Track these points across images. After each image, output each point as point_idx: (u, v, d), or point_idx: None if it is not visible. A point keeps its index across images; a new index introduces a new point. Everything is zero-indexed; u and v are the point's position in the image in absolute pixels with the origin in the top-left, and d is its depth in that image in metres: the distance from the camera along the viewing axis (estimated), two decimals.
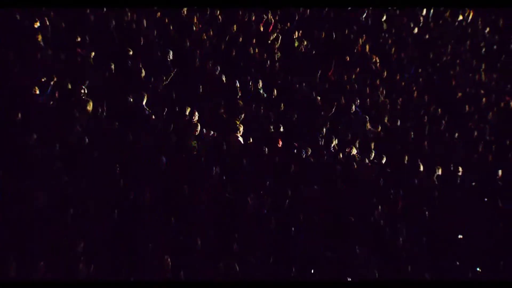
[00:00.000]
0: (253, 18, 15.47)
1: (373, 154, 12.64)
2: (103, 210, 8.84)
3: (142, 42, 12.90)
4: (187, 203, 9.66)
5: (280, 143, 11.88)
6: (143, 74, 11.87)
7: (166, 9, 14.28)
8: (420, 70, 17.22)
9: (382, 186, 11.67)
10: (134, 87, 11.55)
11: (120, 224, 8.85)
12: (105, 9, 13.38)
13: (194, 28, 14.22)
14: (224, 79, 13.01)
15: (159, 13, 14.06)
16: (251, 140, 11.58)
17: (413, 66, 17.27)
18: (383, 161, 12.46)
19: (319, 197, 10.79)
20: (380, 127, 13.88)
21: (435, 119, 15.11)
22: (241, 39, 14.54)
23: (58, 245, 8.08)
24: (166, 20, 14.02)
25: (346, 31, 16.93)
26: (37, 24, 12.01)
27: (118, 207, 8.97)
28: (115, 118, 10.54)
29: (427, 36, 18.72)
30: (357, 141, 12.88)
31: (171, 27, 13.87)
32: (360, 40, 16.82)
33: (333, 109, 13.61)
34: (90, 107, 10.52)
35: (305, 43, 15.70)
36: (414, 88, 16.23)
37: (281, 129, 12.29)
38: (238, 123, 11.80)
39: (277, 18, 16.16)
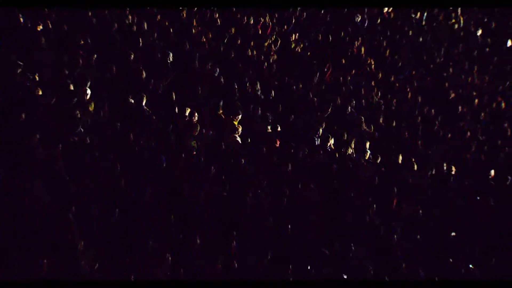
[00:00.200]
0: (251, 20, 15.46)
1: (368, 154, 12.63)
2: (104, 209, 8.82)
3: (142, 44, 12.88)
4: (186, 202, 9.65)
5: (278, 143, 11.87)
6: (144, 75, 11.85)
7: (166, 12, 14.26)
8: (414, 71, 17.21)
9: (377, 185, 11.67)
10: (135, 88, 11.53)
11: (121, 222, 8.84)
12: (107, 12, 13.36)
13: (194, 31, 14.20)
14: (222, 80, 12.99)
15: (159, 16, 14.04)
16: (249, 140, 11.56)
17: (407, 68, 17.26)
18: (378, 161, 12.45)
19: (315, 196, 10.78)
20: (375, 128, 13.86)
21: (429, 119, 15.10)
22: (239, 41, 14.54)
23: (60, 243, 8.05)
24: (166, 23, 14.00)
25: (342, 34, 16.94)
26: (40, 27, 11.99)
27: (119, 206, 8.96)
28: (116, 119, 10.53)
29: (420, 39, 18.71)
30: (353, 141, 12.87)
31: (171, 30, 13.84)
32: (356, 42, 16.82)
33: (329, 110, 13.60)
34: (91, 108, 10.52)
35: (302, 45, 15.69)
36: (408, 89, 16.22)
37: (279, 130, 12.28)
38: (236, 123, 11.80)
39: (274, 20, 16.16)
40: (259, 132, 12.03)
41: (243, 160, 10.89)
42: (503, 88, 18.11)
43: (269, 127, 12.18)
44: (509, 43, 20.40)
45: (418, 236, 10.87)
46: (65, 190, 8.77)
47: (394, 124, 14.36)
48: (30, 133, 9.38)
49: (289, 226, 9.99)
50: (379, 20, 18.49)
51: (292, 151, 11.85)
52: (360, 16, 18.11)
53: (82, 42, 12.11)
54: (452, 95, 16.73)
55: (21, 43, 11.33)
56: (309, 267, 9.68)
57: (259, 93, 13.25)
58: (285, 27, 16.10)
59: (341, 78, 15.30)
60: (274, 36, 15.41)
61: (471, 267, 10.96)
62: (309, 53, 15.69)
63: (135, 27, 13.30)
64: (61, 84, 10.75)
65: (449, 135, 14.61)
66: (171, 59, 12.78)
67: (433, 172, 12.60)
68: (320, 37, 16.30)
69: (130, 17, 13.52)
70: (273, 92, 13.46)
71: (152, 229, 8.92)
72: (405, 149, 13.37)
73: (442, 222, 11.41)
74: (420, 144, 13.80)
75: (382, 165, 12.43)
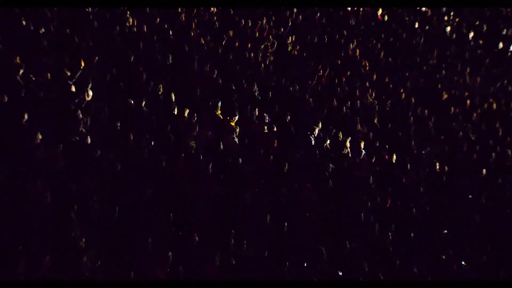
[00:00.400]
0: (249, 24, 15.45)
1: (363, 154, 12.62)
2: (105, 207, 8.80)
3: (142, 47, 12.87)
4: (185, 201, 9.64)
5: (275, 143, 11.86)
6: (144, 77, 11.83)
7: (165, 15, 14.25)
8: (407, 73, 17.21)
9: (372, 184, 11.67)
10: (135, 90, 11.52)
11: (121, 221, 8.82)
12: (108, 15, 13.36)
13: (192, 33, 14.19)
14: (220, 81, 12.98)
15: (158, 19, 14.03)
16: (246, 141, 11.55)
17: (401, 69, 17.27)
18: (373, 160, 12.45)
19: (311, 195, 10.77)
20: (369, 128, 13.85)
21: (422, 120, 15.10)
22: (237, 43, 14.53)
23: (61, 241, 8.03)
24: (166, 25, 13.99)
25: (337, 36, 16.94)
26: (42, 30, 11.97)
27: (119, 204, 8.95)
28: (116, 119, 10.50)
29: (414, 41, 18.73)
30: (348, 141, 12.86)
31: (170, 32, 13.83)
32: (351, 45, 16.83)
33: (325, 111, 13.59)
34: (92, 108, 10.50)
35: (298, 47, 15.67)
36: (402, 91, 16.22)
37: (275, 130, 12.27)
38: (234, 124, 11.78)
39: (271, 23, 16.15)
40: (257, 132, 12.01)
41: (240, 160, 10.87)
42: (494, 89, 18.15)
43: (266, 128, 12.16)
44: (500, 45, 20.45)
45: (412, 234, 10.85)
46: (66, 190, 8.74)
47: (388, 124, 14.36)
48: (32, 133, 9.35)
49: (286, 224, 9.98)
50: (373, 23, 18.52)
51: (289, 151, 11.82)
52: (354, 19, 18.15)
53: (83, 44, 12.11)
54: (445, 96, 16.74)
55: (24, 45, 11.29)
56: (305, 264, 9.67)
57: (256, 94, 13.23)
58: (282, 29, 16.09)
59: (336, 79, 15.30)
60: (271, 39, 15.39)
61: (464, 264, 10.97)
62: (305, 55, 15.68)
63: (135, 30, 13.29)
64: (62, 85, 10.72)
65: (442, 135, 14.61)
66: (170, 61, 12.77)
67: (426, 171, 12.59)
68: (316, 40, 16.30)
69: (130, 20, 13.51)
70: (270, 93, 13.44)
71: (151, 227, 8.90)
72: (399, 149, 13.37)
73: (435, 221, 11.41)
74: (414, 144, 13.79)
75: (376, 165, 12.43)
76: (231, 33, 14.74)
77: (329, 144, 12.57)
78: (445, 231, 11.27)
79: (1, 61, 10.79)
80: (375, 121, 14.23)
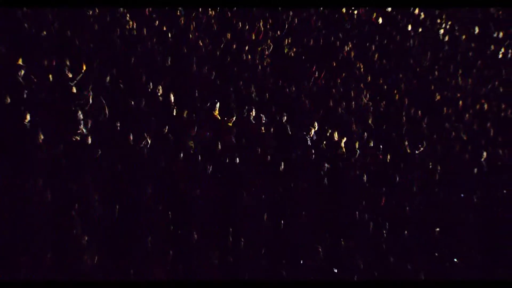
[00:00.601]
0: (246, 26, 15.44)
1: (358, 154, 12.62)
2: (105, 206, 8.78)
3: (142, 49, 12.85)
4: (184, 200, 9.62)
5: (271, 143, 11.85)
6: (143, 78, 11.82)
7: (164, 18, 14.24)
8: (401, 75, 17.21)
9: (366, 183, 11.66)
10: (135, 91, 11.51)
11: (121, 219, 8.80)
12: (108, 18, 13.34)
13: (191, 36, 14.17)
14: (218, 83, 12.97)
15: (157, 22, 14.01)
16: (244, 141, 11.53)
17: (394, 71, 17.27)
18: (367, 160, 12.44)
19: (307, 193, 10.76)
20: (364, 128, 13.85)
21: (415, 120, 15.10)
22: (234, 46, 14.51)
23: (62, 239, 8.00)
24: (164, 28, 13.98)
25: (332, 39, 16.94)
26: (44, 32, 11.96)
27: (119, 203, 8.93)
28: (116, 120, 10.48)
29: (407, 44, 18.74)
30: (343, 141, 12.85)
31: (169, 35, 13.82)
32: (346, 47, 16.82)
33: (321, 111, 13.58)
34: (93, 109, 10.48)
35: (295, 49, 15.67)
36: (396, 92, 16.22)
37: (272, 130, 12.26)
38: (231, 124, 11.77)
39: (268, 26, 16.14)
40: (254, 132, 12.00)
41: (238, 160, 10.86)
42: (486, 91, 18.18)
43: (263, 128, 12.15)
44: (492, 48, 20.49)
45: (406, 232, 10.85)
46: (67, 189, 8.72)
47: (382, 125, 14.36)
48: (34, 133, 9.33)
49: (282, 222, 9.97)
50: (367, 26, 18.53)
51: (285, 151, 11.81)
52: (349, 22, 18.16)
53: (84, 46, 12.10)
54: (438, 97, 16.75)
55: (25, 47, 11.28)
56: (301, 262, 9.65)
57: (253, 95, 13.22)
58: (278, 32, 16.08)
59: (332, 81, 15.30)
60: (268, 41, 15.39)
61: (456, 261, 10.98)
62: (301, 57, 15.68)
63: (135, 32, 13.28)
64: (63, 86, 10.71)
65: (435, 135, 14.61)
66: (169, 63, 12.76)
67: (420, 170, 12.59)
68: (311, 42, 16.30)
69: (130, 22, 13.50)
70: (267, 94, 13.43)
71: (151, 225, 8.88)
72: (393, 149, 13.38)
73: (428, 219, 11.40)
74: (407, 144, 13.79)
75: (371, 165, 12.42)
76: (228, 35, 14.73)
77: (324, 144, 12.57)
78: (437, 229, 11.25)
79: (4, 63, 10.79)
80: (370, 121, 14.23)
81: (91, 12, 13.18)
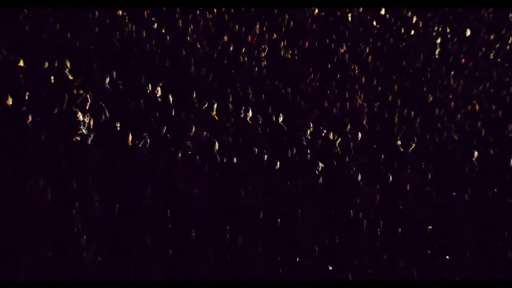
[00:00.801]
0: (243, 29, 15.45)
1: (352, 153, 12.63)
2: (105, 205, 8.77)
3: (141, 51, 12.84)
4: (182, 198, 9.61)
5: (268, 143, 11.85)
6: (143, 80, 11.81)
7: (162, 21, 14.24)
8: (394, 77, 17.24)
9: (360, 182, 11.66)
10: (134, 92, 11.50)
11: (120, 217, 8.78)
12: (108, 21, 13.34)
13: (189, 38, 14.18)
14: (216, 84, 12.97)
15: (156, 25, 14.01)
16: (241, 141, 11.53)
17: (388, 73, 17.31)
18: (361, 159, 12.45)
19: (303, 192, 10.76)
20: (358, 129, 13.86)
21: (408, 121, 15.13)
22: (231, 48, 14.52)
23: (63, 237, 7.98)
24: (163, 31, 13.97)
25: (328, 41, 16.96)
26: (44, 35, 11.95)
27: (118, 202, 8.91)
28: (116, 120, 10.47)
29: (401, 46, 18.77)
30: (338, 141, 12.87)
31: (167, 37, 13.82)
32: (341, 49, 16.85)
33: (316, 112, 13.59)
34: (93, 110, 10.47)
35: (290, 52, 15.68)
36: (389, 93, 16.25)
37: (268, 130, 12.26)
38: (229, 125, 11.76)
39: (264, 29, 16.15)
40: (250, 133, 12.00)
41: (235, 159, 10.86)
42: (477, 92, 18.25)
43: (259, 128, 12.16)
44: (483, 50, 20.56)
45: (399, 230, 10.86)
46: (67, 188, 8.70)
47: (376, 125, 14.38)
48: (36, 134, 9.32)
49: (279, 220, 9.97)
50: (362, 29, 18.57)
51: (282, 150, 11.81)
52: (344, 25, 18.20)
53: (85, 48, 12.09)
54: (430, 98, 16.79)
55: (27, 49, 11.26)
56: (297, 259, 9.65)
57: (250, 96, 13.23)
58: (275, 35, 16.08)
59: (327, 82, 15.31)
60: (264, 44, 15.39)
61: (447, 258, 10.99)
62: (297, 59, 15.68)
63: (134, 35, 13.27)
64: (64, 88, 10.69)
65: (427, 135, 14.63)
66: (168, 64, 12.76)
67: (413, 169, 12.61)
68: (307, 44, 16.31)
69: (129, 25, 13.49)
70: (263, 95, 13.44)
71: (149, 223, 8.87)
72: (386, 149, 13.40)
73: (421, 217, 11.42)
74: (400, 143, 13.81)
75: (365, 164, 12.43)
76: (225, 38, 14.74)
77: (320, 144, 12.58)
78: (430, 227, 11.27)
79: (6, 65, 10.77)
80: (364, 122, 14.25)
81: (91, 15, 13.17)
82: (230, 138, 11.46)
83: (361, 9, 19.54)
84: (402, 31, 19.54)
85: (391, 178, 11.95)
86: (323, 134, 12.93)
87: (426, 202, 11.82)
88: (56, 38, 12.11)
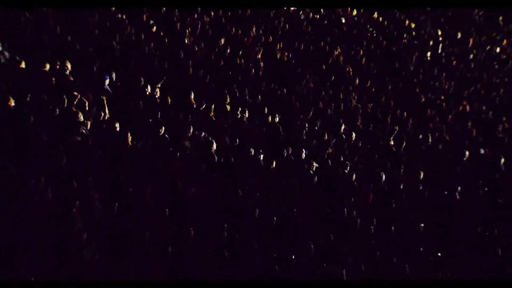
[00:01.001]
0: (239, 32, 15.46)
1: (346, 153, 12.65)
2: (104, 204, 8.77)
3: (140, 53, 12.84)
4: (180, 197, 9.61)
5: (264, 143, 11.86)
6: (142, 81, 11.81)
7: (161, 24, 14.24)
8: (387, 78, 17.28)
9: (354, 181, 11.69)
10: (133, 93, 11.50)
11: (120, 216, 8.78)
12: (108, 24, 13.34)
13: (187, 41, 14.18)
14: (213, 86, 12.98)
15: (155, 28, 14.01)
16: (237, 141, 11.54)
17: (381, 75, 17.33)
18: (356, 159, 12.48)
19: (298, 191, 10.78)
20: (352, 129, 13.89)
21: (401, 121, 15.16)
22: (228, 50, 14.53)
23: (63, 237, 7.96)
24: (161, 34, 13.98)
25: (322, 44, 16.98)
26: (45, 37, 11.93)
27: (118, 201, 8.91)
28: (116, 121, 10.47)
29: (394, 49, 18.81)
30: (332, 141, 12.89)
31: (166, 40, 13.82)
32: (335, 52, 16.87)
33: (311, 113, 13.60)
34: (93, 111, 10.47)
35: (286, 54, 15.69)
36: (382, 94, 16.28)
37: (265, 131, 12.27)
38: (226, 125, 11.77)
39: (261, 32, 16.17)
40: (247, 133, 12.01)
41: (232, 159, 10.87)
42: (468, 93, 18.30)
43: (256, 129, 12.16)
44: (474, 52, 20.62)
45: (392, 228, 10.88)
46: (67, 188, 8.70)
47: (369, 125, 14.41)
48: (37, 134, 9.31)
49: (275, 218, 9.98)
50: (355, 32, 18.61)
51: (277, 150, 11.82)
52: (338, 28, 18.23)
53: (85, 50, 12.09)
54: (422, 99, 16.83)
55: (28, 51, 11.25)
56: (293, 257, 9.66)
57: (247, 97, 13.24)
58: (271, 37, 16.10)
59: (321, 84, 15.33)
60: (260, 46, 15.40)
61: (439, 255, 11.02)
62: (292, 61, 15.70)
63: (133, 38, 13.27)
64: (65, 89, 10.68)
65: (419, 135, 14.67)
66: (166, 66, 12.76)
67: (405, 169, 12.64)
68: (302, 47, 16.33)
69: (129, 28, 13.49)
70: (259, 96, 13.44)
71: (148, 221, 8.87)
72: (379, 149, 13.44)
73: (412, 214, 11.44)
74: (393, 143, 13.84)
75: (359, 163, 12.46)
76: (223, 40, 14.74)
77: (315, 143, 12.60)
78: (422, 225, 11.29)
79: (8, 67, 10.77)
80: (358, 122, 14.27)
81: (91, 18, 13.16)
82: (227, 138, 11.47)
83: (354, 12, 19.61)
84: (395, 34, 19.58)
85: (384, 177, 11.97)
86: (318, 134, 12.95)
87: (418, 201, 11.84)
88: (57, 40, 12.09)
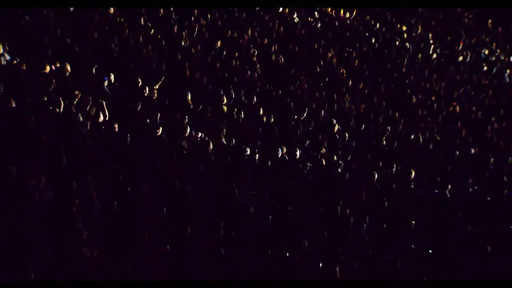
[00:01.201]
0: (235, 34, 15.46)
1: (340, 153, 12.67)
2: (104, 203, 8.77)
3: (138, 56, 12.83)
4: (178, 197, 9.62)
5: (259, 143, 11.87)
6: (140, 83, 11.81)
7: (159, 27, 14.24)
8: (380, 79, 17.30)
9: (348, 180, 11.71)
10: (132, 95, 11.50)
11: (119, 216, 8.78)
12: (107, 27, 13.33)
13: (184, 44, 14.18)
14: (210, 87, 12.98)
15: (152, 31, 14.00)
16: (234, 141, 11.55)
17: (374, 76, 17.35)
18: (349, 159, 12.50)
19: (293, 190, 10.79)
20: (345, 129, 13.90)
21: (393, 122, 15.18)
22: (224, 52, 14.53)
23: (63, 233, 7.96)
24: (159, 36, 13.97)
25: (316, 46, 17.00)
26: (46, 40, 11.93)
27: (117, 200, 8.91)
28: (114, 122, 10.46)
29: (386, 51, 18.85)
30: (326, 141, 12.91)
31: (163, 43, 13.81)
32: (329, 53, 16.88)
33: (305, 114, 13.62)
34: (93, 112, 10.47)
35: (281, 56, 15.70)
36: (375, 95, 16.30)
37: (260, 131, 12.28)
38: (222, 126, 11.78)
39: (256, 34, 16.16)
40: (243, 133, 12.01)
41: (228, 159, 10.87)
42: (458, 94, 18.33)
43: (251, 129, 12.17)
44: (464, 54, 20.69)
45: (384, 225, 10.91)
46: (68, 186, 8.70)
47: (362, 126, 14.43)
48: (38, 135, 9.31)
49: (270, 217, 9.99)
50: (349, 34, 18.63)
51: (272, 150, 11.83)
52: (332, 31, 18.25)
53: (84, 53, 12.08)
54: (414, 100, 16.86)
55: (29, 54, 11.24)
56: (287, 254, 9.67)
57: (243, 98, 13.24)
58: (266, 40, 16.10)
59: (315, 85, 15.34)
60: (256, 48, 15.40)
61: (430, 252, 11.06)
62: (287, 63, 15.70)
63: (132, 40, 13.26)
64: (65, 91, 10.68)
65: (411, 136, 14.70)
66: (164, 68, 12.77)
67: (397, 168, 12.67)
68: (296, 49, 16.34)
69: (127, 31, 13.48)
70: (255, 97, 13.45)
71: (146, 220, 8.88)
72: (372, 148, 13.46)
73: (404, 212, 11.47)
74: (385, 143, 13.87)
75: (352, 163, 12.48)
76: (219, 43, 14.74)
77: (309, 143, 12.62)
78: (413, 222, 11.32)
79: (9, 69, 10.75)
80: (351, 123, 14.29)
81: (90, 21, 13.15)
82: (224, 138, 11.47)
83: (347, 15, 19.66)
84: (387, 36, 19.60)
85: (376, 176, 12.00)
86: (312, 135, 12.96)
87: (410, 199, 11.87)
88: (57, 43, 12.08)
